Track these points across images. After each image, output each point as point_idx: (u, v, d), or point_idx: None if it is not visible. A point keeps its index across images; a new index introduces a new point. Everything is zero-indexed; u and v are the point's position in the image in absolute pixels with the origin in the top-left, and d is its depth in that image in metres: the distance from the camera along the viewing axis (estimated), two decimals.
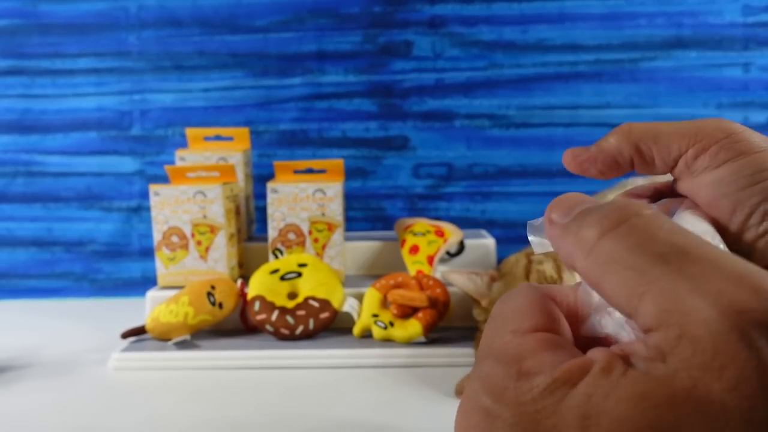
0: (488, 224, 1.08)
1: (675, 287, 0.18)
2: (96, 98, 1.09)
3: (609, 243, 0.19)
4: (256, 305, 0.78)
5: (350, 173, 1.07)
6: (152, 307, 0.82)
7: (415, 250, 0.85)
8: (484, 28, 1.06)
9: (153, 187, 0.84)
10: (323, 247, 0.85)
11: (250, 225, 0.97)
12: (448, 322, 0.78)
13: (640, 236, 0.19)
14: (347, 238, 0.89)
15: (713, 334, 0.17)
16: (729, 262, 0.18)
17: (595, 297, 0.24)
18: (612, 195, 0.70)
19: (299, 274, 0.80)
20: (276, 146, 1.09)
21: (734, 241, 0.25)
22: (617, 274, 0.19)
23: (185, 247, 0.84)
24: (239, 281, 0.82)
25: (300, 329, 0.77)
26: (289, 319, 0.77)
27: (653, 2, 1.04)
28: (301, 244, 0.85)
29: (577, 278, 0.61)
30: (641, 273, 0.18)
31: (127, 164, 1.09)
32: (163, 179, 0.91)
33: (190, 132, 0.96)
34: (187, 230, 0.84)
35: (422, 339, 0.75)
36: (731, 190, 0.25)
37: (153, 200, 0.84)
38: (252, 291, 0.79)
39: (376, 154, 1.08)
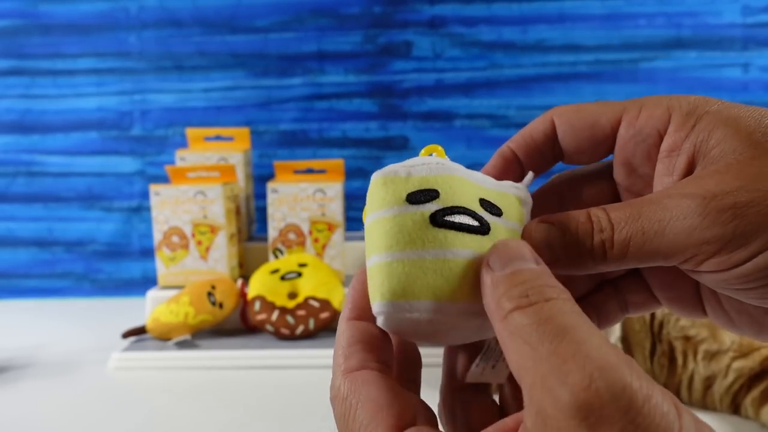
0: None
1: (548, 366, 0.20)
2: (96, 98, 1.09)
3: (519, 317, 0.21)
4: (257, 305, 0.78)
5: (350, 173, 1.07)
6: (152, 307, 0.82)
7: None
8: (484, 29, 1.06)
9: (153, 187, 0.84)
10: (323, 247, 0.85)
11: (251, 225, 0.97)
12: None
13: (543, 317, 0.21)
14: (347, 238, 0.90)
15: (561, 415, 0.19)
16: (599, 352, 0.19)
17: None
18: None
19: (299, 274, 0.80)
20: (276, 146, 1.09)
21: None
22: (517, 345, 0.21)
23: (185, 247, 0.84)
24: (239, 281, 0.82)
25: (300, 329, 0.77)
26: (289, 319, 0.77)
27: (653, 3, 1.04)
28: (302, 244, 0.85)
29: None
30: (533, 349, 0.20)
31: (128, 164, 1.09)
32: (164, 179, 0.91)
33: (191, 132, 0.96)
34: (188, 230, 0.84)
35: None
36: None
37: (153, 200, 0.84)
38: (252, 291, 0.80)
39: (376, 154, 1.08)
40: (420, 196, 0.26)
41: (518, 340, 0.21)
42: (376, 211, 0.26)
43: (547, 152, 0.30)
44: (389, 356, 0.26)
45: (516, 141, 0.31)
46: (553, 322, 0.20)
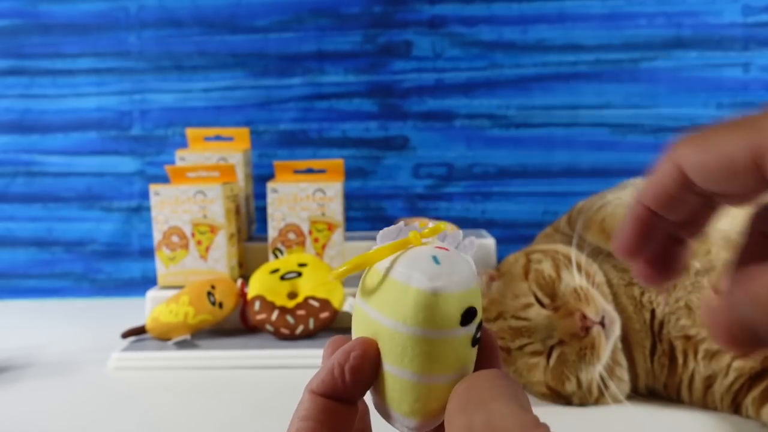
0: (488, 224, 1.08)
1: None
2: (96, 98, 1.09)
3: None
4: (256, 305, 0.78)
5: (350, 173, 1.07)
6: (152, 307, 0.82)
7: None
8: (484, 28, 1.06)
9: (153, 187, 0.84)
10: (323, 246, 0.85)
11: (250, 225, 0.97)
12: None
13: None
14: (347, 238, 0.89)
15: None
16: None
17: None
18: (611, 195, 0.70)
19: (299, 274, 0.80)
20: (276, 146, 1.09)
21: None
22: None
23: (185, 246, 0.84)
24: (239, 281, 0.82)
25: (300, 329, 0.77)
26: (289, 318, 0.77)
27: (653, 2, 1.04)
28: (301, 243, 0.85)
29: (576, 278, 0.61)
30: None
31: (128, 164, 1.09)
32: (164, 179, 0.91)
33: (190, 132, 0.96)
34: (187, 230, 0.84)
35: None
36: None
37: (153, 200, 0.84)
38: (252, 291, 0.79)
39: (376, 154, 1.08)
40: (467, 318, 0.26)
41: None
42: (423, 328, 0.26)
43: (690, 197, 0.26)
44: None
45: (648, 198, 0.26)
46: None
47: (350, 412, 0.27)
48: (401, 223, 0.29)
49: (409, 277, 0.26)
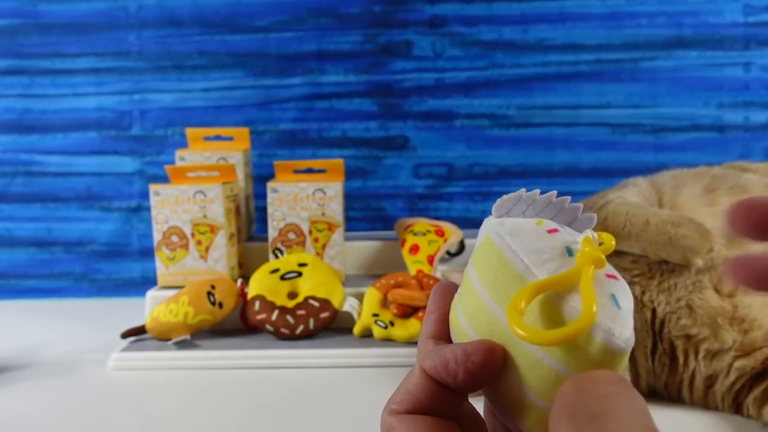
0: None
1: None
2: (96, 98, 1.09)
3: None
4: (256, 305, 0.78)
5: (350, 173, 1.07)
6: (152, 307, 0.82)
7: (415, 249, 0.85)
8: (485, 28, 1.06)
9: (153, 187, 0.84)
10: (323, 246, 0.85)
11: (250, 225, 0.97)
12: None
13: None
14: (347, 238, 0.89)
15: None
16: None
17: None
18: (613, 194, 0.70)
19: (299, 274, 0.80)
20: (276, 146, 1.09)
21: None
22: None
23: (185, 246, 0.84)
24: (239, 281, 0.81)
25: (300, 329, 0.77)
26: (289, 318, 0.77)
27: (654, 2, 1.04)
28: (301, 243, 0.85)
29: None
30: None
31: (127, 164, 1.09)
32: (163, 179, 0.90)
33: (190, 132, 0.96)
34: (187, 230, 0.84)
35: None
36: None
37: (153, 200, 0.84)
38: (252, 291, 0.79)
39: (376, 154, 1.08)
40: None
41: None
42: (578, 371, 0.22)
43: None
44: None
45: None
46: None
47: (459, 399, 0.26)
48: (522, 191, 0.26)
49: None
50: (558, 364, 0.22)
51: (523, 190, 0.26)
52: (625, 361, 0.22)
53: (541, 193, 0.25)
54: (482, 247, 0.25)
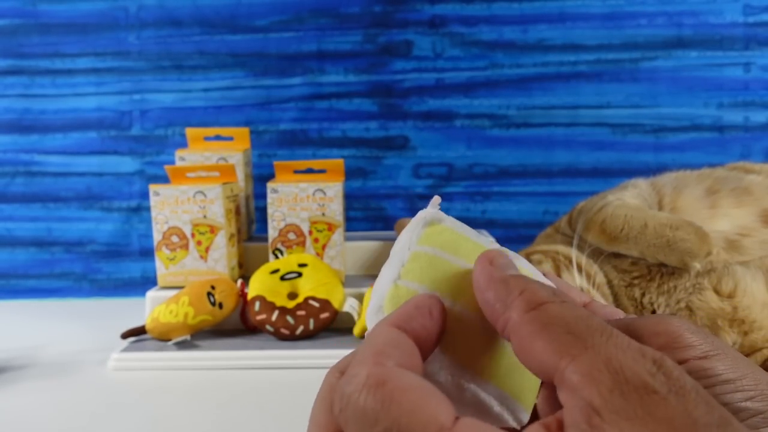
0: (488, 224, 1.08)
1: (608, 352, 0.20)
2: (96, 98, 1.09)
3: (558, 307, 0.22)
4: (256, 305, 0.78)
5: (350, 173, 1.07)
6: (152, 307, 0.82)
7: None
8: (485, 28, 1.06)
9: (153, 187, 0.84)
10: (323, 247, 0.85)
11: (250, 225, 0.97)
12: None
13: (583, 313, 0.22)
14: (347, 238, 0.89)
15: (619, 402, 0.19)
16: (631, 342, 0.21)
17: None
18: (612, 196, 0.70)
19: (299, 274, 0.80)
20: (276, 146, 1.09)
21: None
22: (555, 335, 0.21)
23: (185, 247, 0.84)
24: (239, 281, 0.81)
25: (300, 329, 0.77)
26: (289, 319, 0.77)
27: (654, 2, 1.04)
28: (301, 244, 0.85)
29: (577, 279, 0.61)
30: (579, 339, 0.20)
31: (127, 164, 1.09)
32: (163, 179, 0.90)
33: (190, 132, 0.96)
34: (187, 230, 0.84)
35: None
36: None
37: (153, 200, 0.84)
38: (252, 291, 0.79)
39: (377, 154, 1.08)
40: None
41: (557, 330, 0.21)
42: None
43: None
44: (418, 371, 0.24)
45: None
46: (594, 319, 0.21)
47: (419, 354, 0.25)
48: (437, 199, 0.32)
49: None
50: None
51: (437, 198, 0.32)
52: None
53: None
54: (441, 233, 0.30)
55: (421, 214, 0.30)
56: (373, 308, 0.28)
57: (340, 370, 0.26)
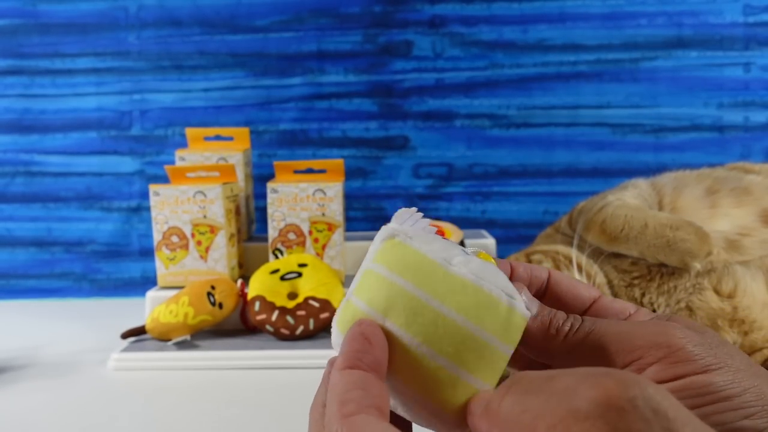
0: (488, 224, 1.08)
1: None
2: (96, 98, 1.09)
3: None
4: (256, 305, 0.78)
5: (350, 173, 1.07)
6: (152, 307, 0.82)
7: None
8: (485, 28, 1.06)
9: (153, 187, 0.84)
10: (323, 247, 0.85)
11: (250, 225, 0.97)
12: None
13: None
14: (347, 238, 0.89)
15: None
16: None
17: None
18: (612, 196, 0.70)
19: (299, 274, 0.80)
20: (276, 146, 1.09)
21: None
22: None
23: (185, 247, 0.84)
24: (239, 281, 0.81)
25: (300, 329, 0.77)
26: (289, 319, 0.77)
27: (654, 2, 1.04)
28: (301, 244, 0.85)
29: (577, 277, 0.61)
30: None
31: (127, 164, 1.09)
32: (163, 179, 0.90)
33: (190, 132, 0.96)
34: (187, 230, 0.84)
35: None
36: None
37: (153, 200, 0.84)
38: (252, 291, 0.79)
39: (376, 154, 1.08)
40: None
41: None
42: (509, 345, 0.29)
43: None
44: (385, 403, 0.26)
45: None
46: None
47: (379, 381, 0.26)
48: (414, 210, 0.32)
49: (510, 300, 0.28)
50: (477, 328, 0.27)
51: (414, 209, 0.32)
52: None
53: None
54: (392, 248, 0.30)
55: (382, 229, 0.31)
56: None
57: (322, 404, 0.27)
